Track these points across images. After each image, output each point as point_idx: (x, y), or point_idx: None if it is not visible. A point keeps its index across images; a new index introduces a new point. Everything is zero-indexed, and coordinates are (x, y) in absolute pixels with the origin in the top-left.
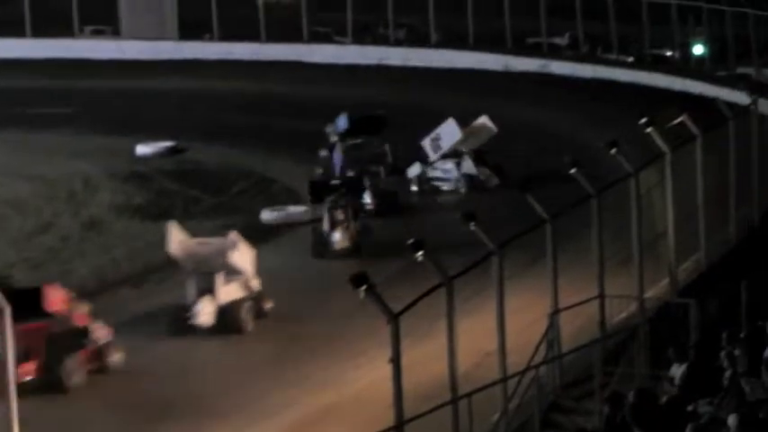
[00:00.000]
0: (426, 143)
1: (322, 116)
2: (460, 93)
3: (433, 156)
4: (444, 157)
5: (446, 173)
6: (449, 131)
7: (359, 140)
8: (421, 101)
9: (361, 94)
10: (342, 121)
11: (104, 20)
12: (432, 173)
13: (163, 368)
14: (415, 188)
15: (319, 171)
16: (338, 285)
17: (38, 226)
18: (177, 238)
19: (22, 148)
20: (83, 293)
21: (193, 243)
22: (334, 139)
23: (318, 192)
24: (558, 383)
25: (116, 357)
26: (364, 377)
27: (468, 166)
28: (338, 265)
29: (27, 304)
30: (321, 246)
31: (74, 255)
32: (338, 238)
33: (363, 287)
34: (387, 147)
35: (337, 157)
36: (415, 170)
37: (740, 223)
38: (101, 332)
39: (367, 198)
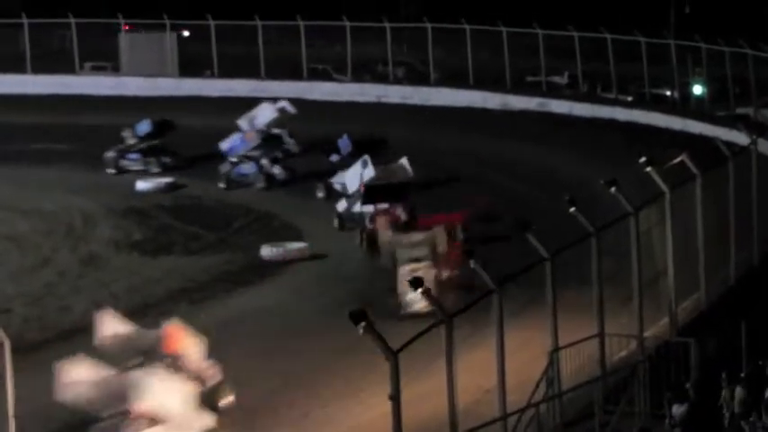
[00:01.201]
0: (243, 121)
1: (321, 152)
2: (459, 131)
3: (247, 128)
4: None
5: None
6: (264, 112)
7: (156, 142)
8: (420, 138)
9: (360, 131)
10: (143, 126)
11: (105, 56)
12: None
13: None
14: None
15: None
16: (338, 321)
17: (36, 261)
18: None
19: (21, 184)
20: (81, 328)
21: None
22: (131, 141)
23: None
24: (558, 421)
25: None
26: (364, 414)
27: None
28: (339, 301)
29: None
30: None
31: (72, 290)
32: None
33: (362, 324)
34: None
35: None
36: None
37: (740, 263)
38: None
39: None
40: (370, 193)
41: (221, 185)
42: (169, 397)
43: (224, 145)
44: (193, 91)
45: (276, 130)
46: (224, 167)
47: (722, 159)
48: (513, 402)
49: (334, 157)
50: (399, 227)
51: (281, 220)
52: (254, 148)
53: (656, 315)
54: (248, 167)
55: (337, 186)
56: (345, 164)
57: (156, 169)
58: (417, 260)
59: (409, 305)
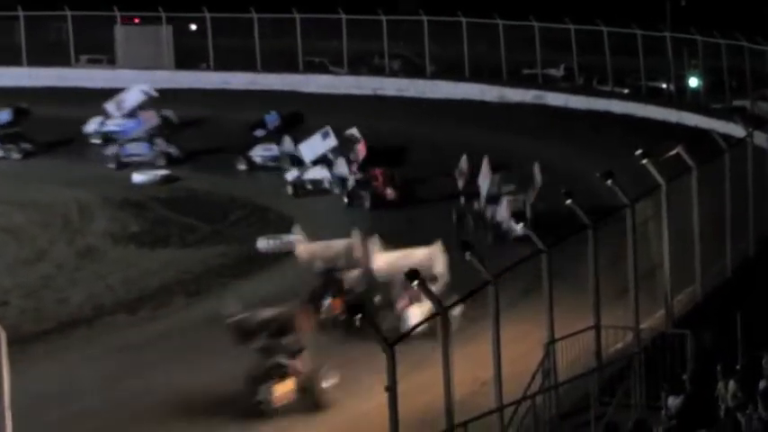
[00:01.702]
0: (110, 105)
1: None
2: (455, 123)
3: (115, 114)
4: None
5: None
6: (132, 96)
7: (15, 129)
8: (415, 131)
9: (356, 123)
10: (2, 115)
11: (101, 49)
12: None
13: (155, 393)
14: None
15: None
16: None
17: (33, 253)
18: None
19: (17, 176)
20: (77, 320)
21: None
22: None
23: None
24: (554, 413)
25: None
26: (360, 405)
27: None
28: None
29: None
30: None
31: (69, 282)
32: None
33: (359, 315)
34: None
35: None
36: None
37: (735, 254)
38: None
39: None
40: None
41: (110, 166)
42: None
43: (89, 128)
44: (189, 83)
45: (168, 112)
46: (111, 150)
47: (718, 152)
48: (510, 394)
49: (259, 132)
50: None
51: (276, 211)
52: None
53: (652, 307)
54: (140, 147)
55: (257, 159)
56: (271, 138)
57: (16, 155)
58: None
59: None
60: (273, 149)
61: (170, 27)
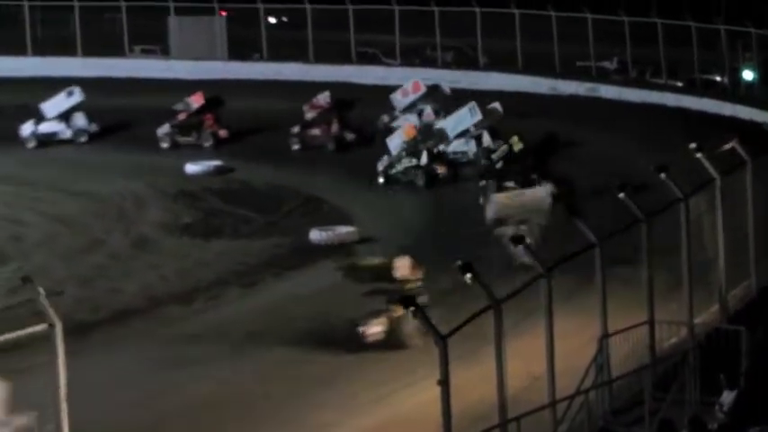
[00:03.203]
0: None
1: (369, 137)
2: (508, 115)
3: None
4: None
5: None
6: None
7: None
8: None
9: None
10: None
11: (154, 39)
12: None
13: (209, 384)
14: None
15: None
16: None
17: (87, 243)
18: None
19: (72, 166)
20: (132, 310)
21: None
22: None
23: None
24: (607, 409)
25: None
26: (413, 398)
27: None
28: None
29: None
30: None
31: (123, 272)
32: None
33: (412, 308)
34: None
35: None
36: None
37: None
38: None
39: None
40: None
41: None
42: None
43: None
44: (242, 74)
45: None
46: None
47: None
48: (563, 389)
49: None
50: None
51: (329, 203)
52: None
53: (706, 302)
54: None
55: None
56: None
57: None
58: None
59: None
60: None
61: (223, 18)
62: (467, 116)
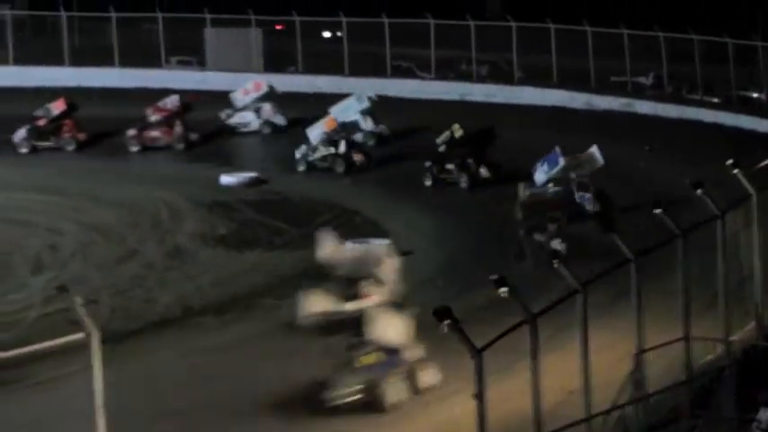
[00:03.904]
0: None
1: (402, 148)
2: (542, 129)
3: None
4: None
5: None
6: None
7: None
8: (503, 136)
9: (443, 127)
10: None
11: (191, 51)
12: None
13: (242, 394)
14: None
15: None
16: (423, 317)
17: (123, 253)
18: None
19: (107, 176)
20: (167, 320)
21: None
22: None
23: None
24: (643, 424)
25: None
26: (447, 410)
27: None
28: (420, 299)
29: None
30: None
31: (158, 282)
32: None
33: (447, 321)
34: None
35: None
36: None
37: None
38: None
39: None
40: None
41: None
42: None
43: None
44: (277, 86)
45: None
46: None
47: None
48: (598, 404)
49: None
50: None
51: (363, 215)
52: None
53: (743, 319)
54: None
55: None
56: None
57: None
58: None
59: None
60: None
61: (259, 30)
62: (353, 104)
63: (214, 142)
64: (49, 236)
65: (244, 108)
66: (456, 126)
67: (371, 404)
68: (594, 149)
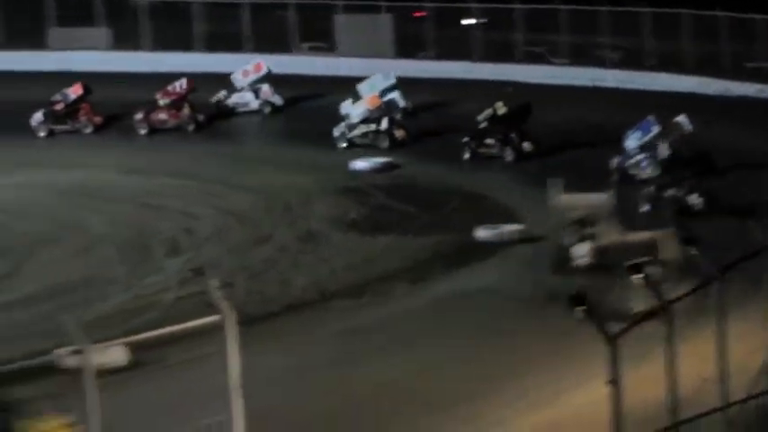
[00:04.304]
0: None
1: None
2: (675, 115)
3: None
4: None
5: None
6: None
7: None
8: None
9: (575, 115)
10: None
11: (322, 37)
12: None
13: (378, 377)
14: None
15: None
16: (557, 302)
17: (256, 236)
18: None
19: (237, 161)
20: (302, 303)
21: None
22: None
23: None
24: None
25: None
26: (582, 396)
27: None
28: (554, 284)
29: None
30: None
31: (292, 266)
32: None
33: (582, 307)
34: None
35: None
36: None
37: None
38: None
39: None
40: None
41: None
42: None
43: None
44: (408, 72)
45: None
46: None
47: None
48: (733, 392)
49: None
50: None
51: (494, 200)
52: None
53: None
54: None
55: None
56: None
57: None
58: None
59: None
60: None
61: (389, 15)
62: (380, 79)
63: (317, 125)
64: (185, 220)
65: (242, 89)
66: (499, 104)
67: None
68: (682, 117)
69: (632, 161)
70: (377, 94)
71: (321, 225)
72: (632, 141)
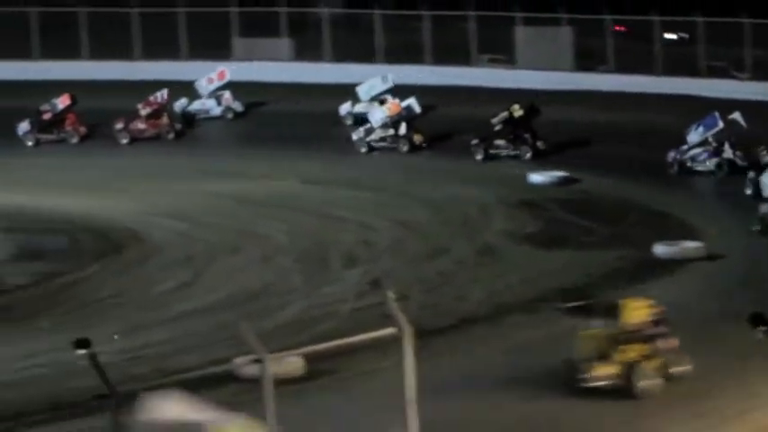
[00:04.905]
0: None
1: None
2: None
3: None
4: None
5: None
6: None
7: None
8: None
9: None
10: None
11: (501, 49)
12: None
13: (550, 393)
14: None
15: None
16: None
17: (432, 249)
18: None
19: (407, 172)
20: (477, 318)
21: None
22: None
23: None
24: None
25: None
26: (756, 420)
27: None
28: (735, 304)
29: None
30: None
31: (468, 279)
32: None
33: (762, 327)
34: None
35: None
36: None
37: None
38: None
39: None
40: None
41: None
42: None
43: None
44: (587, 85)
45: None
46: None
47: None
48: None
49: None
50: None
51: (675, 217)
52: None
53: None
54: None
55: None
56: None
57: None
58: None
59: None
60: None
61: (569, 28)
62: (378, 84)
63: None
64: (362, 231)
65: (205, 96)
66: (516, 107)
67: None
68: (737, 114)
69: (690, 154)
70: (396, 101)
71: (498, 238)
72: (695, 136)
